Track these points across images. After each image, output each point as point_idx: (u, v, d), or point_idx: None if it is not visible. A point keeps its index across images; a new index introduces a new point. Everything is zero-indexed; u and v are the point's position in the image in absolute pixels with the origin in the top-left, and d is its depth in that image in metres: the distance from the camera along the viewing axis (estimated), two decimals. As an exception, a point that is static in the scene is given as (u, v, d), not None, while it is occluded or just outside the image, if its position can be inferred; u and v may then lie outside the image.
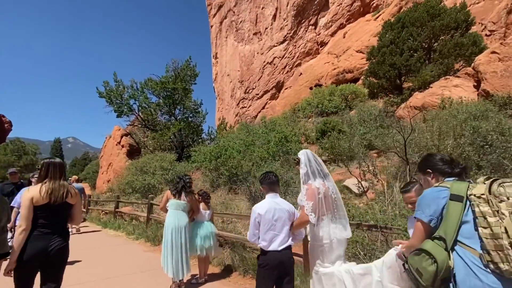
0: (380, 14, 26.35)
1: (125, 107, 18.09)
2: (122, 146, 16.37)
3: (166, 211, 4.39)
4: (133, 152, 16.74)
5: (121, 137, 16.74)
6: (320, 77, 26.58)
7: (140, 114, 19.19)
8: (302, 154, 2.65)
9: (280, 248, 2.31)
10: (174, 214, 4.22)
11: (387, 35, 13.98)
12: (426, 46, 13.54)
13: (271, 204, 2.42)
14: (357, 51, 24.91)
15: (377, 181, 7.11)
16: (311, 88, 26.70)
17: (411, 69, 12.87)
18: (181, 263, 4.08)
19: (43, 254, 2.37)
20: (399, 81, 14.00)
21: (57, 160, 2.67)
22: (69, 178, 9.89)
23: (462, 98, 10.26)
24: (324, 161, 11.22)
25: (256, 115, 29.16)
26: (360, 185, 7.02)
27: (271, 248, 2.30)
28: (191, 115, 19.75)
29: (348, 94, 18.31)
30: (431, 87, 12.19)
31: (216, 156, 10.53)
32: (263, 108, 29.45)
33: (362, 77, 23.22)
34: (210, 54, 36.41)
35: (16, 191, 5.25)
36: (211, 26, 35.62)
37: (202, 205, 4.63)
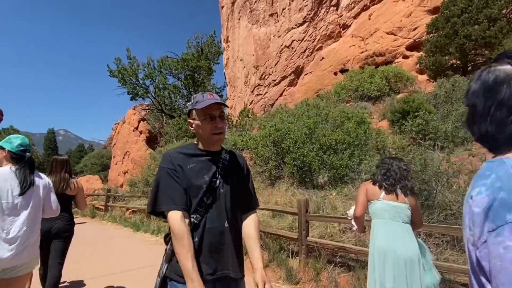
0: (410, -6, 24.27)
1: (141, 88, 15.81)
2: (141, 132, 14.16)
3: (362, 227, 2.32)
4: (151, 140, 14.57)
5: (139, 122, 14.49)
6: (346, 61, 24.53)
7: (155, 97, 16.95)
8: None
9: None
10: (390, 230, 2.09)
11: (455, 5, 11.97)
12: (504, 15, 11.58)
13: None
14: (387, 33, 22.83)
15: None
16: (335, 74, 24.70)
17: (490, 41, 10.92)
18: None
19: None
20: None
21: None
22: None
23: None
24: (401, 147, 9.30)
25: (273, 103, 27.05)
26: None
27: None
28: (212, 100, 17.54)
29: (391, 76, 16.35)
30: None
31: (274, 142, 8.56)
32: (281, 95, 27.33)
33: (395, 60, 21.33)
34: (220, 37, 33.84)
35: None
36: (222, 7, 32.99)
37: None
